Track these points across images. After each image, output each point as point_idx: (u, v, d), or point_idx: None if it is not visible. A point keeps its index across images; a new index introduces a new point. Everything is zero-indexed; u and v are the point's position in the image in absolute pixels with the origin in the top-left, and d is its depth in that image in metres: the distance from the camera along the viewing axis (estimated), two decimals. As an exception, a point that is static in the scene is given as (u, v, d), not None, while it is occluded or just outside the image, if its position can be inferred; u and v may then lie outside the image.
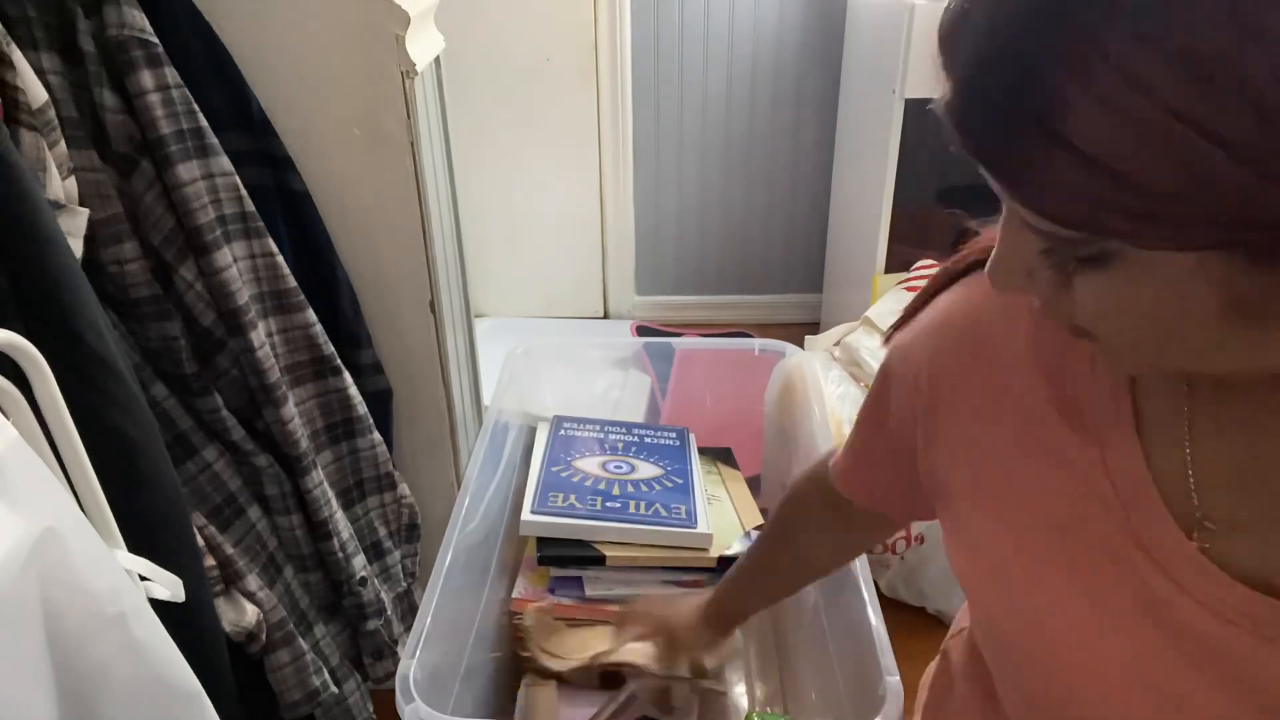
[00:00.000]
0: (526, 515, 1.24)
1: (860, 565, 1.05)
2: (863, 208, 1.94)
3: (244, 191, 0.94)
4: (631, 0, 2.11)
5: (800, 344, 1.53)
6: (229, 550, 0.93)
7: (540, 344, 1.55)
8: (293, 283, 1.00)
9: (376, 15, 1.00)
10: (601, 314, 2.45)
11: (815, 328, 2.39)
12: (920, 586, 1.51)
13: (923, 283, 1.80)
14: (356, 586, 1.07)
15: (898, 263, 1.86)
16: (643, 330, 2.33)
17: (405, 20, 1.01)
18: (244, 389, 0.97)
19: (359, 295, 1.12)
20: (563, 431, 1.51)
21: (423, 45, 1.08)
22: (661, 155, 2.29)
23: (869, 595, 1.01)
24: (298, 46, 1.01)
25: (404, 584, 1.19)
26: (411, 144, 1.07)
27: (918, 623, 1.54)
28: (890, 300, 1.60)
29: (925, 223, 2.16)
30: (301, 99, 1.03)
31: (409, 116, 1.05)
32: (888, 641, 0.95)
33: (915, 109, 1.67)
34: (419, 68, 1.04)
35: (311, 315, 1.02)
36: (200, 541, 0.88)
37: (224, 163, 0.91)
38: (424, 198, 1.11)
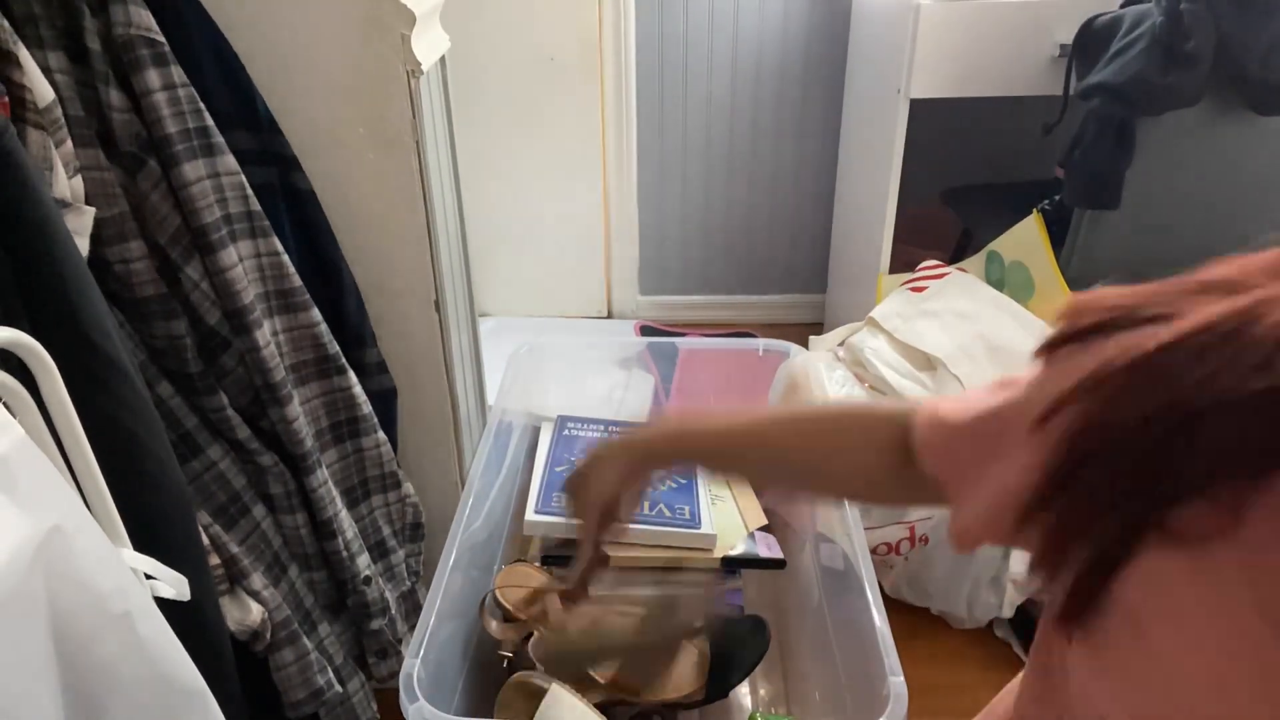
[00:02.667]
0: (530, 515, 1.25)
1: (864, 565, 1.05)
2: (867, 208, 1.94)
3: (250, 191, 0.94)
4: (637, 2, 2.11)
5: (804, 344, 1.53)
6: (234, 549, 0.93)
7: (544, 343, 1.55)
8: (298, 282, 1.00)
9: (383, 14, 1.00)
10: (605, 313, 2.45)
11: (819, 328, 2.39)
12: (924, 587, 1.51)
13: (927, 283, 1.79)
14: (361, 585, 1.07)
15: (901, 263, 1.86)
16: (646, 330, 2.33)
17: (411, 19, 1.01)
18: (249, 388, 0.97)
19: (363, 294, 1.12)
20: (567, 431, 1.51)
21: (428, 44, 1.08)
22: (665, 154, 2.29)
23: (873, 596, 1.01)
24: (304, 46, 1.01)
25: (408, 583, 1.19)
26: (417, 143, 1.07)
27: (921, 624, 1.54)
28: (894, 301, 1.60)
29: (929, 223, 2.15)
30: (307, 98, 1.03)
31: (414, 116, 1.05)
32: (892, 642, 0.95)
33: (919, 109, 1.66)
34: (425, 67, 1.05)
35: (316, 314, 1.02)
36: (205, 540, 0.88)
37: (230, 162, 0.91)
38: (429, 197, 1.11)
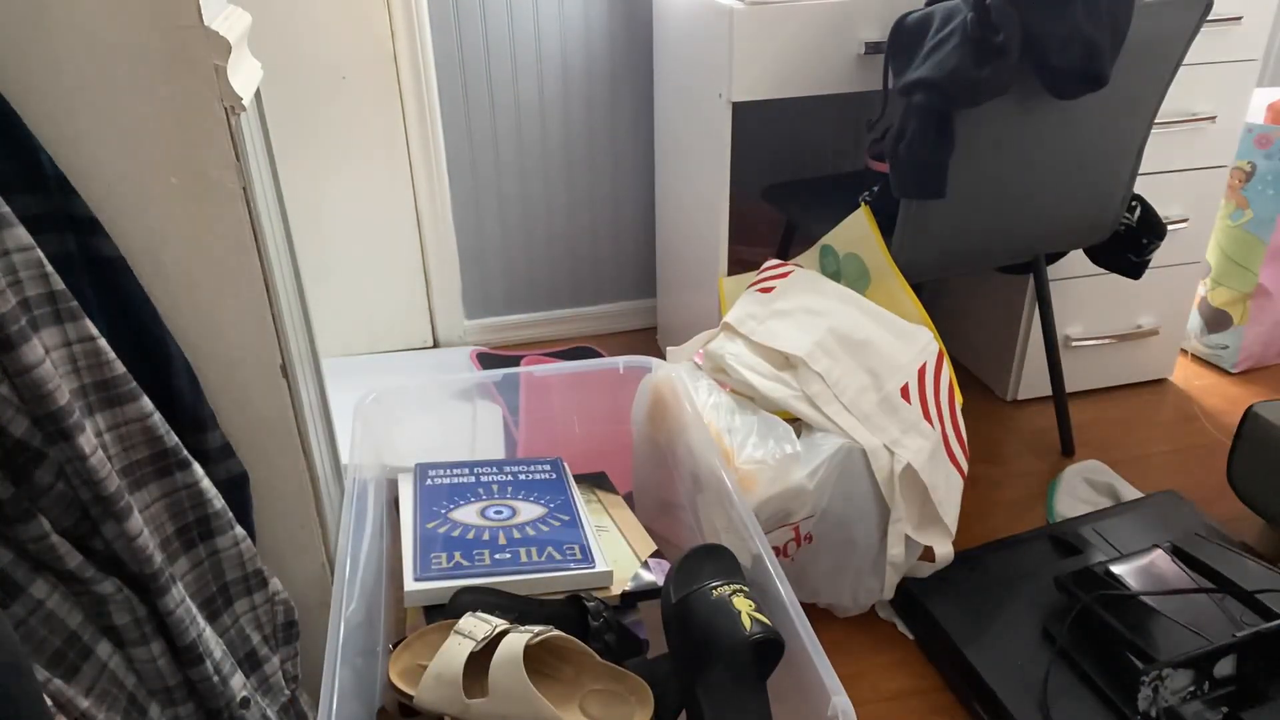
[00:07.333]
0: (410, 585, 1.14)
1: (775, 573, 1.02)
2: (696, 211, 1.94)
3: (49, 268, 0.76)
4: (431, 11, 1.99)
5: (646, 351, 1.49)
6: (83, 704, 0.76)
7: (389, 389, 1.44)
8: (120, 369, 0.83)
9: (190, 44, 0.85)
10: (431, 343, 2.31)
11: (654, 333, 2.38)
12: (810, 583, 1.52)
13: (773, 283, 1.80)
14: (239, 711, 0.91)
15: (733, 262, 1.88)
16: (484, 358, 2.22)
17: (225, 48, 0.86)
18: (74, 505, 0.79)
19: (197, 370, 0.96)
20: (429, 480, 1.40)
21: (245, 76, 0.94)
22: (478, 171, 2.18)
23: (794, 608, 0.98)
24: (97, 89, 0.84)
25: (287, 692, 1.04)
26: (244, 190, 0.92)
27: (813, 618, 1.55)
28: (745, 304, 1.60)
29: (753, 221, 2.19)
30: (104, 148, 0.86)
31: (238, 158, 0.91)
32: (825, 657, 0.92)
33: (736, 109, 1.67)
34: (245, 101, 0.90)
35: (147, 404, 0.86)
36: (49, 703, 0.71)
37: (20, 235, 0.74)
38: (263, 249, 0.96)
